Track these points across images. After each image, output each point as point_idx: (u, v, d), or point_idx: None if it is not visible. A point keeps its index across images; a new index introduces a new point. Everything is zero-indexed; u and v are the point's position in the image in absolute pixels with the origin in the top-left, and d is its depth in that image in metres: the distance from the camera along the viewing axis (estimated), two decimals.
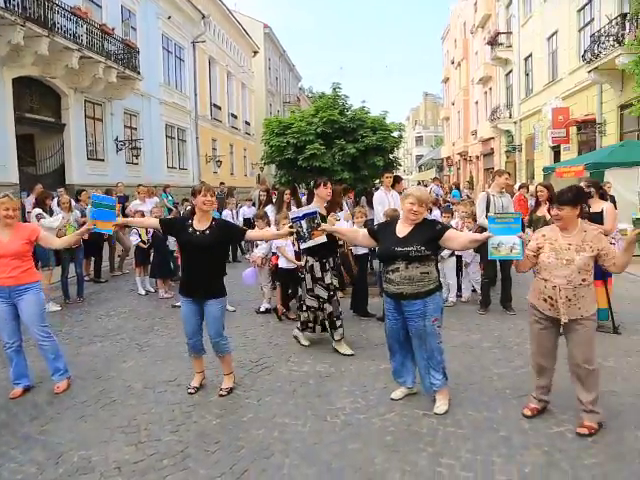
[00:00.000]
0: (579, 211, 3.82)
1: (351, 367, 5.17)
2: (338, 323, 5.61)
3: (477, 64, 35.28)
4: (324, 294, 5.57)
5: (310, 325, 5.81)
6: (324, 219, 5.34)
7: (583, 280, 3.74)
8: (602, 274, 5.90)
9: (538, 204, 7.00)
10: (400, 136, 9.62)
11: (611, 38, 15.26)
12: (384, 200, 7.97)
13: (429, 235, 4.07)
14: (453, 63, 44.25)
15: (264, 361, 5.41)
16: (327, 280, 5.58)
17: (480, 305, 7.25)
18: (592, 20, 18.23)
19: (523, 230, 3.81)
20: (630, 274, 9.04)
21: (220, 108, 30.61)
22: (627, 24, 14.87)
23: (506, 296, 7.14)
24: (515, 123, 27.54)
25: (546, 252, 3.84)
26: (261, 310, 7.42)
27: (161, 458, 3.55)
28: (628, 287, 8.49)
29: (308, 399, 4.44)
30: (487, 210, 6.89)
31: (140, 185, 12.59)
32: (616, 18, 15.37)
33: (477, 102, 37.15)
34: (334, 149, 8.54)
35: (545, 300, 3.84)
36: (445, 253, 7.40)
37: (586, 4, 18.86)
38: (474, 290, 7.96)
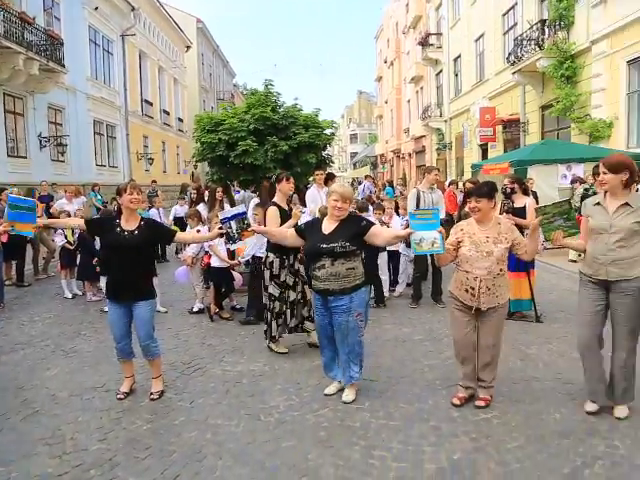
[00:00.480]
0: (493, 205, 4.05)
1: (285, 365, 5.17)
2: (279, 322, 5.49)
3: (409, 64, 36.11)
4: (276, 292, 5.46)
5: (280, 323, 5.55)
6: (285, 213, 5.32)
7: (500, 270, 3.98)
8: (525, 266, 6.19)
9: (467, 200, 7.25)
10: (332, 134, 9.71)
11: (532, 42, 16.03)
12: (316, 197, 8.00)
13: (354, 231, 4.13)
14: (386, 62, 45.07)
15: (197, 362, 5.32)
16: (282, 278, 5.46)
17: (412, 299, 7.43)
18: (515, 24, 19.07)
19: (442, 225, 3.95)
20: (551, 265, 9.54)
21: (152, 104, 29.78)
22: (546, 29, 15.66)
23: (437, 289, 7.36)
24: (445, 122, 28.41)
25: (467, 245, 4.01)
26: (194, 310, 7.28)
27: (88, 468, 3.41)
28: (549, 278, 8.94)
29: (241, 399, 4.40)
30: (417, 206, 7.06)
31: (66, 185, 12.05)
32: (537, 23, 16.14)
33: (409, 101, 38.06)
34: (266, 146, 8.52)
35: (467, 291, 4.02)
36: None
37: (510, 9, 19.71)
38: (409, 284, 8.14)
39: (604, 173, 3.74)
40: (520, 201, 6.21)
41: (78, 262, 8.34)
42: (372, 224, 4.31)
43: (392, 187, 20.06)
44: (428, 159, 32.28)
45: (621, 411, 3.89)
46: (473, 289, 3.98)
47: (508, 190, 6.06)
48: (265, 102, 8.99)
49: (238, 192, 10.52)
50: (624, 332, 3.81)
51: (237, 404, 4.30)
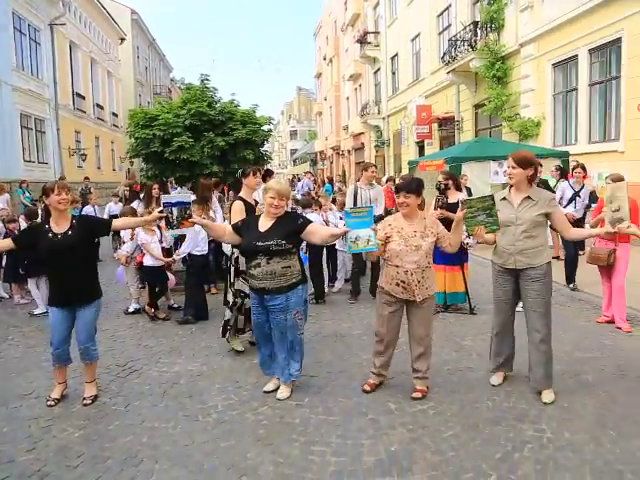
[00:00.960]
0: (420, 201, 4.21)
1: (223, 364, 5.11)
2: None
3: (348, 61, 36.43)
4: (246, 288, 5.15)
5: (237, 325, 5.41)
6: (251, 207, 5.25)
7: (428, 263, 4.14)
8: (459, 260, 6.38)
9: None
10: (270, 130, 9.65)
11: (465, 43, 16.55)
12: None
13: (290, 229, 4.12)
14: (325, 59, 45.25)
15: (132, 364, 5.17)
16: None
17: (350, 294, 7.52)
18: (450, 25, 19.62)
19: (376, 222, 4.04)
20: (484, 259, 9.87)
21: (84, 98, 28.60)
22: (479, 31, 16.20)
23: (375, 285, 7.45)
24: (383, 119, 28.88)
25: (396, 240, 4.10)
26: (129, 311, 7.07)
27: None
28: (482, 271, 9.25)
29: (179, 400, 4.32)
30: (355, 203, 7.14)
31: None
32: (469, 25, 16.67)
33: (348, 98, 38.40)
34: (203, 142, 8.38)
35: (398, 284, 4.12)
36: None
37: (444, 10, 20.25)
38: (347, 280, 8.22)
39: (513, 167, 4.03)
40: (453, 197, 6.38)
41: (4, 264, 7.91)
42: (309, 222, 4.31)
43: (331, 184, 20.21)
44: (367, 156, 32.72)
45: (547, 395, 4.10)
46: (404, 282, 4.09)
47: (442, 186, 6.21)
48: (201, 97, 8.83)
49: (175, 189, 10.29)
50: (536, 317, 4.10)
51: (174, 406, 4.21)
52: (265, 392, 4.38)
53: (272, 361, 4.43)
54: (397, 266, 4.10)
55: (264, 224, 4.18)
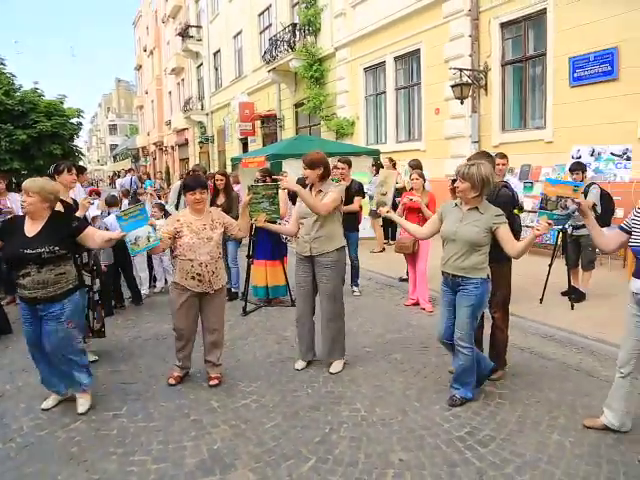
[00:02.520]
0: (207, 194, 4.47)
1: (30, 380, 4.58)
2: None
3: (169, 54, 35.20)
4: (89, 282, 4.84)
5: None
6: (69, 206, 4.66)
7: (220, 254, 4.37)
8: (279, 254, 6.55)
9: (217, 191, 7.25)
10: (80, 123, 8.94)
11: (285, 43, 16.99)
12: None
13: (64, 232, 3.80)
14: (146, 51, 43.26)
15: None
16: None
17: None
18: (270, 25, 20.00)
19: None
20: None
21: None
22: (297, 33, 16.76)
23: None
24: (207, 115, 28.49)
25: (187, 235, 4.21)
26: None
27: None
28: None
29: None
30: (178, 199, 6.95)
31: None
32: (289, 26, 17.16)
33: (170, 92, 37.18)
34: (0, 135, 7.44)
35: (194, 278, 4.22)
36: None
37: (265, 10, 20.58)
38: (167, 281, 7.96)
39: (304, 169, 4.46)
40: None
41: None
42: (87, 224, 4.07)
43: (151, 180, 19.40)
44: (191, 152, 32.04)
45: (335, 367, 4.61)
46: (200, 275, 4.21)
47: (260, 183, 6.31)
48: None
49: None
50: (326, 298, 4.56)
51: None
52: (43, 410, 4.03)
53: (54, 377, 4.05)
54: (191, 260, 4.20)
55: (31, 228, 3.75)
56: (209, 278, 4.24)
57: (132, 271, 7.20)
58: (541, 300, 6.27)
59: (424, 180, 6.44)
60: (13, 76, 8.37)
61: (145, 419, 3.86)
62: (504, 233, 3.73)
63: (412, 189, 6.38)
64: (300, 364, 4.73)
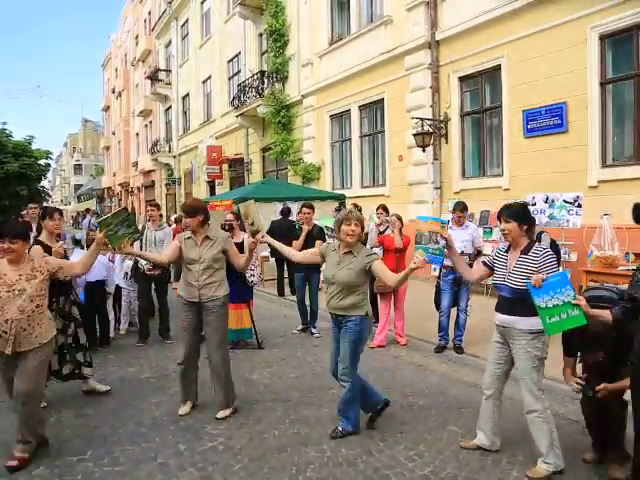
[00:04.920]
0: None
1: None
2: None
3: (138, 96, 35.46)
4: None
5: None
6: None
7: (37, 307, 3.83)
8: (244, 297, 6.62)
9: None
10: (48, 164, 8.95)
11: (253, 90, 17.44)
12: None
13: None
14: (114, 92, 43.48)
15: None
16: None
17: (139, 337, 7.23)
18: (239, 71, 20.51)
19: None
20: (271, 295, 10.36)
21: None
22: (266, 80, 17.25)
23: (164, 326, 7.32)
24: (174, 157, 28.61)
25: None
26: None
27: None
28: (270, 306, 9.69)
29: None
30: (140, 242, 6.97)
31: None
32: (257, 73, 17.65)
33: (138, 134, 37.25)
34: None
35: (0, 336, 3.73)
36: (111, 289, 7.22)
37: (234, 57, 21.15)
38: (133, 324, 7.89)
39: (185, 217, 4.64)
40: (238, 237, 6.63)
41: None
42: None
43: None
44: (157, 194, 31.92)
45: (222, 413, 4.60)
46: (6, 333, 3.69)
47: (227, 226, 6.40)
48: None
49: None
50: (214, 345, 4.63)
51: None
52: None
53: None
54: None
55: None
56: (17, 336, 3.70)
57: (106, 313, 7.13)
58: None
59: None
60: None
61: (111, 463, 3.82)
62: (378, 268, 4.08)
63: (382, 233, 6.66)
64: (184, 409, 4.70)
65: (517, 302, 3.56)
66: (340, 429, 4.20)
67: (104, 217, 4.21)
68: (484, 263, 3.92)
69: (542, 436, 3.52)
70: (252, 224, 4.88)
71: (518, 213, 3.68)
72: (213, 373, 4.70)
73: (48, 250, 4.81)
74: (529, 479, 3.49)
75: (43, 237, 5.12)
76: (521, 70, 9.59)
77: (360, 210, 11.06)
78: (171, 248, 4.78)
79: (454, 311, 6.52)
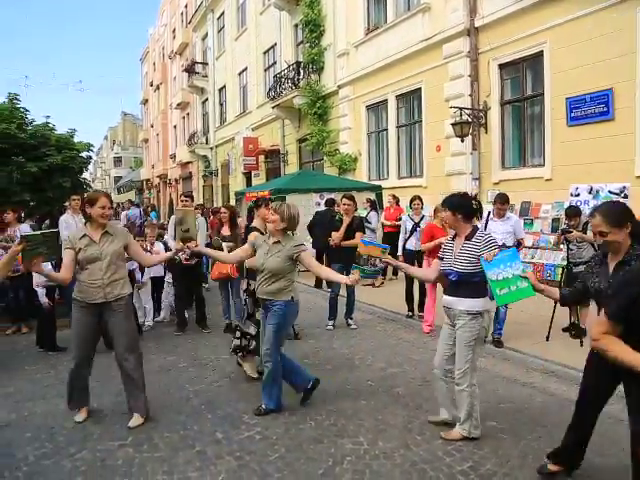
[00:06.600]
0: None
1: (36, 409, 4.66)
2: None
3: (175, 89, 35.94)
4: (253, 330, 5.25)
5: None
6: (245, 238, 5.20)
7: None
8: None
9: (222, 224, 7.39)
10: (89, 157, 9.16)
11: (289, 81, 17.43)
12: (71, 224, 7.43)
13: None
14: (152, 85, 44.13)
15: None
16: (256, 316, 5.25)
17: (176, 326, 7.37)
18: (275, 63, 20.53)
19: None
20: (306, 285, 10.37)
21: None
22: (301, 71, 17.21)
23: (201, 315, 7.43)
24: (211, 149, 28.92)
25: None
26: None
27: None
28: (304, 297, 9.70)
29: None
30: (175, 233, 7.08)
31: None
32: (293, 64, 17.62)
33: (175, 126, 37.79)
34: (11, 167, 7.61)
35: None
36: (145, 278, 7.37)
37: (270, 48, 21.16)
38: (172, 313, 8.03)
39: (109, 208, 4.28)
40: None
41: None
42: None
43: (156, 212, 19.67)
44: (195, 185, 32.37)
45: (134, 421, 4.28)
46: None
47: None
48: (9, 118, 8.05)
49: None
50: (126, 347, 4.29)
51: None
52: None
53: None
54: None
55: None
56: None
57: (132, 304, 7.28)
58: (547, 337, 6.27)
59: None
60: (26, 111, 8.61)
61: (150, 449, 3.90)
62: (305, 259, 4.44)
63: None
64: (80, 416, 4.42)
65: (460, 285, 3.83)
66: (263, 407, 4.48)
67: (35, 233, 3.95)
68: (439, 257, 4.11)
69: (463, 406, 3.89)
70: (187, 231, 4.70)
71: (453, 202, 3.94)
72: (127, 378, 4.34)
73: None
74: (443, 439, 3.93)
75: (257, 224, 5.65)
76: (564, 56, 9.27)
77: (398, 201, 11.02)
78: (67, 264, 4.19)
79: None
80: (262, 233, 5.32)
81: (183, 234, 4.61)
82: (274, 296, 4.40)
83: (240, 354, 5.38)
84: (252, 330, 5.24)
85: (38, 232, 3.92)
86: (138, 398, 4.37)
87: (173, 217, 7.40)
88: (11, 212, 7.34)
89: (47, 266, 4.26)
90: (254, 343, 5.19)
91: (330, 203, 10.18)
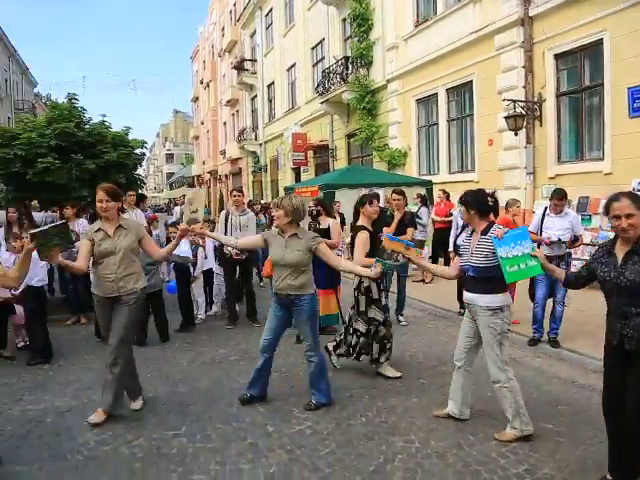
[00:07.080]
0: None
1: (95, 397, 4.83)
2: (388, 345, 5.32)
3: (225, 86, 36.48)
4: (380, 316, 5.27)
5: (346, 352, 5.46)
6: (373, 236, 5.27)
7: None
8: (332, 283, 6.65)
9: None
10: (143, 154, 9.39)
11: (338, 76, 17.38)
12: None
13: None
14: (202, 83, 44.97)
15: None
16: (383, 302, 5.39)
17: (228, 319, 7.50)
18: (323, 58, 20.51)
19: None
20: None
21: None
22: (350, 65, 17.13)
23: (251, 309, 7.53)
24: (260, 145, 29.22)
25: None
26: None
27: None
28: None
29: (45, 439, 4.02)
30: (225, 227, 7.22)
31: None
32: (341, 59, 17.56)
33: (225, 123, 38.37)
34: (70, 164, 7.90)
35: None
36: (197, 272, 7.53)
37: (318, 44, 21.15)
38: (224, 306, 8.18)
39: (107, 201, 4.25)
40: (325, 222, 6.69)
41: None
42: None
43: (207, 208, 19.99)
44: (244, 181, 32.80)
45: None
46: None
47: (315, 212, 6.47)
48: (69, 117, 8.36)
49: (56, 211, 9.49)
50: (119, 338, 4.27)
51: (40, 446, 3.92)
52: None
53: None
54: None
55: None
56: None
57: (189, 297, 7.46)
58: None
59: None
60: (84, 110, 8.92)
61: (203, 440, 3.99)
62: (323, 250, 4.41)
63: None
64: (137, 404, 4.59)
65: (479, 280, 3.87)
66: (314, 402, 4.50)
67: (42, 228, 3.97)
68: (459, 254, 4.18)
69: (507, 404, 3.86)
70: (196, 211, 4.75)
71: (467, 199, 3.99)
72: (108, 372, 4.30)
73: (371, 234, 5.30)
74: (497, 440, 3.84)
75: (364, 222, 5.48)
76: (625, 44, 8.85)
77: (448, 196, 10.83)
78: (84, 253, 4.29)
79: (550, 302, 6.19)
80: (370, 232, 5.31)
81: (191, 215, 4.69)
82: (300, 290, 4.41)
83: (352, 354, 5.37)
84: (362, 327, 5.25)
85: (45, 227, 3.97)
86: (106, 393, 4.31)
87: (223, 212, 7.52)
88: (70, 208, 7.70)
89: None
90: (362, 340, 5.24)
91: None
